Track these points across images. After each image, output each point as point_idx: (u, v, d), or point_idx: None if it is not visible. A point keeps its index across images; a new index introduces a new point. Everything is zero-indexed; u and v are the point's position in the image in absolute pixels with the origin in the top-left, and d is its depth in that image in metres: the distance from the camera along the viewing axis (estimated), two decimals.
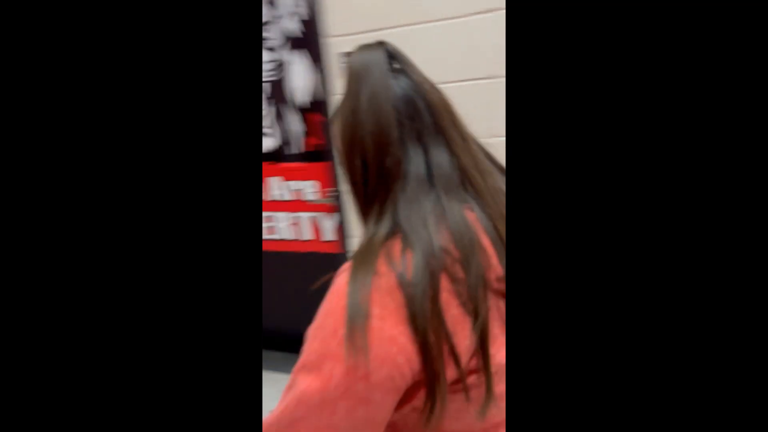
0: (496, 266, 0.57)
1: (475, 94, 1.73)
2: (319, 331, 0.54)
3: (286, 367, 0.83)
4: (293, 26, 1.96)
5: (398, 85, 0.61)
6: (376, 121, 0.59)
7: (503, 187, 0.63)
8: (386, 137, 0.59)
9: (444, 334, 0.52)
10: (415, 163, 0.59)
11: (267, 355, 2.40)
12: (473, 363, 0.54)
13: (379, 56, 0.61)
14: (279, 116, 2.09)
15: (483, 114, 1.42)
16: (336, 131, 0.64)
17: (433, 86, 0.64)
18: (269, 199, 2.19)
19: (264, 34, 2.02)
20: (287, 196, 2.15)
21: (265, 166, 2.16)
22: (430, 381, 0.52)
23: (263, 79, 2.06)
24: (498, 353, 0.56)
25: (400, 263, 0.53)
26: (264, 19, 2.01)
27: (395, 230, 0.57)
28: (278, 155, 2.12)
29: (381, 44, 0.63)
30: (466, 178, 0.60)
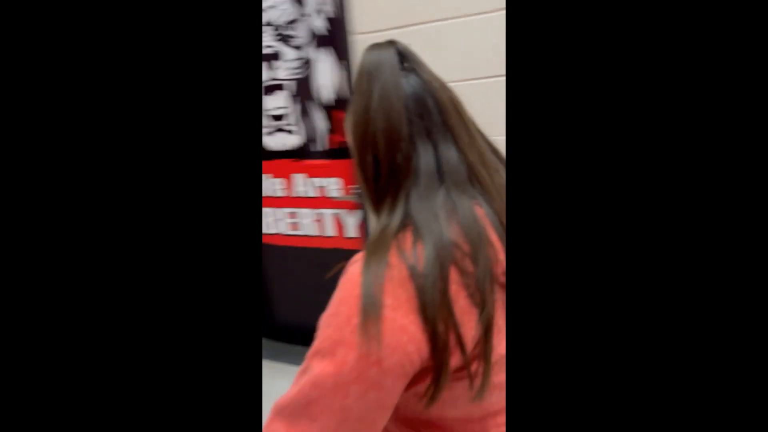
0: (502, 261, 0.58)
1: (496, 91, 1.72)
2: (333, 318, 0.56)
3: None
4: (319, 24, 1.98)
5: (408, 84, 0.62)
6: (387, 118, 0.60)
7: None
8: (397, 134, 0.60)
9: (452, 324, 0.54)
10: (425, 159, 0.60)
11: (290, 349, 2.44)
12: (476, 352, 0.56)
13: (390, 55, 0.63)
14: (304, 113, 2.12)
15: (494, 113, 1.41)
16: (348, 128, 0.66)
17: (442, 84, 0.65)
18: (293, 195, 2.22)
19: (291, 32, 2.05)
20: (311, 193, 2.18)
21: (290, 163, 2.18)
22: (437, 368, 0.54)
23: (289, 77, 2.09)
24: (500, 344, 0.58)
25: (411, 255, 0.55)
26: (291, 17, 2.03)
27: (407, 222, 0.58)
28: (303, 152, 2.14)
29: (392, 43, 0.64)
30: (473, 174, 0.61)
